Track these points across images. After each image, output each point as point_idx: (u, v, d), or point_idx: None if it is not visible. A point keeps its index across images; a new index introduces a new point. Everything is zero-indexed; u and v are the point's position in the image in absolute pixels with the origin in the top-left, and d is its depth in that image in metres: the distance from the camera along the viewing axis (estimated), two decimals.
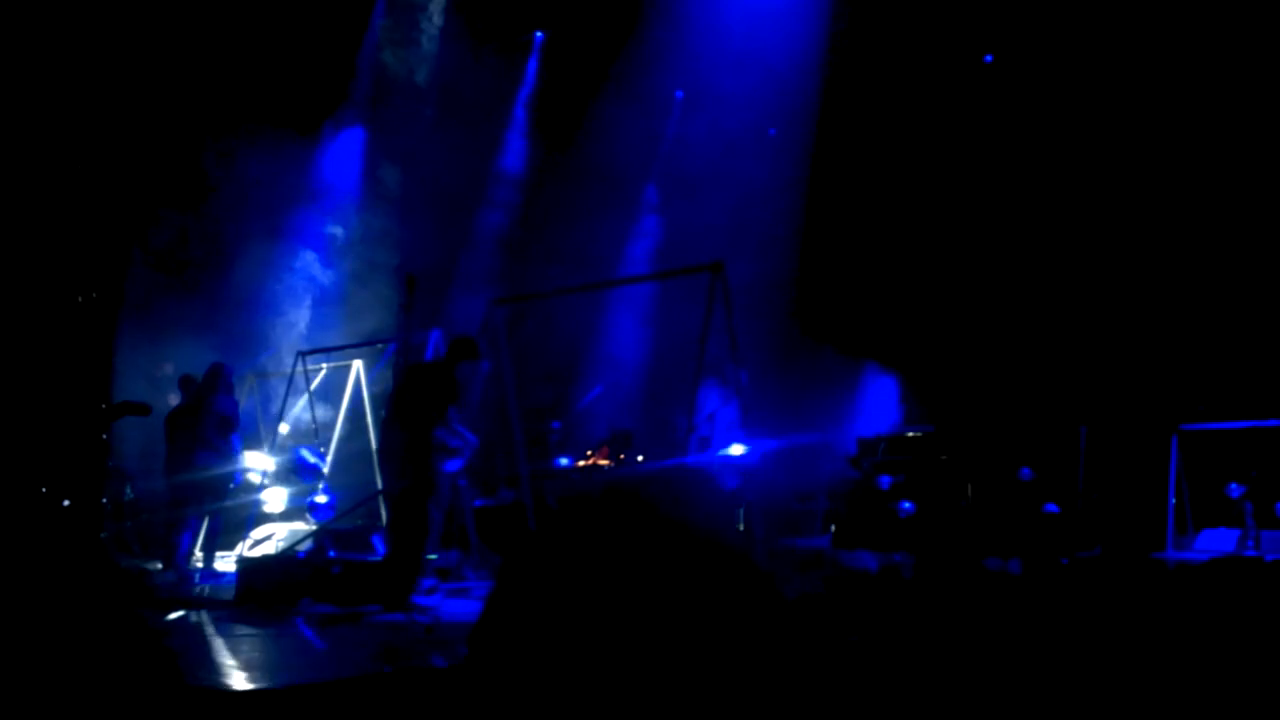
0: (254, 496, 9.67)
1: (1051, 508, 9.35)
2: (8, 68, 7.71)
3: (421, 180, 13.82)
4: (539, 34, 15.46)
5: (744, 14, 13.29)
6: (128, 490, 10.60)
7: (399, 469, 6.72)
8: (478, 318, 8.80)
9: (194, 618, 6.28)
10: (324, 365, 11.21)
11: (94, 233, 8.36)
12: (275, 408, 11.20)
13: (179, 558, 8.48)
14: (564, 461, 11.91)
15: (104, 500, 9.64)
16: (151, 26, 9.56)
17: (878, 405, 12.49)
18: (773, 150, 14.02)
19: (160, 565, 8.84)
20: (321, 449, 10.47)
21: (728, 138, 13.65)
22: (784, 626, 3.95)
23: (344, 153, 14.54)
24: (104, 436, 8.50)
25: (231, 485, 8.73)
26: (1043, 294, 11.71)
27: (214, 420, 8.42)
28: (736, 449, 10.14)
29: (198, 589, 7.90)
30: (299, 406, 10.99)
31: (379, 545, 7.79)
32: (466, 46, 14.02)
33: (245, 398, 11.92)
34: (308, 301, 13.66)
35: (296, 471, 9.93)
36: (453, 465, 7.02)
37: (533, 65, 15.63)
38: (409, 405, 6.76)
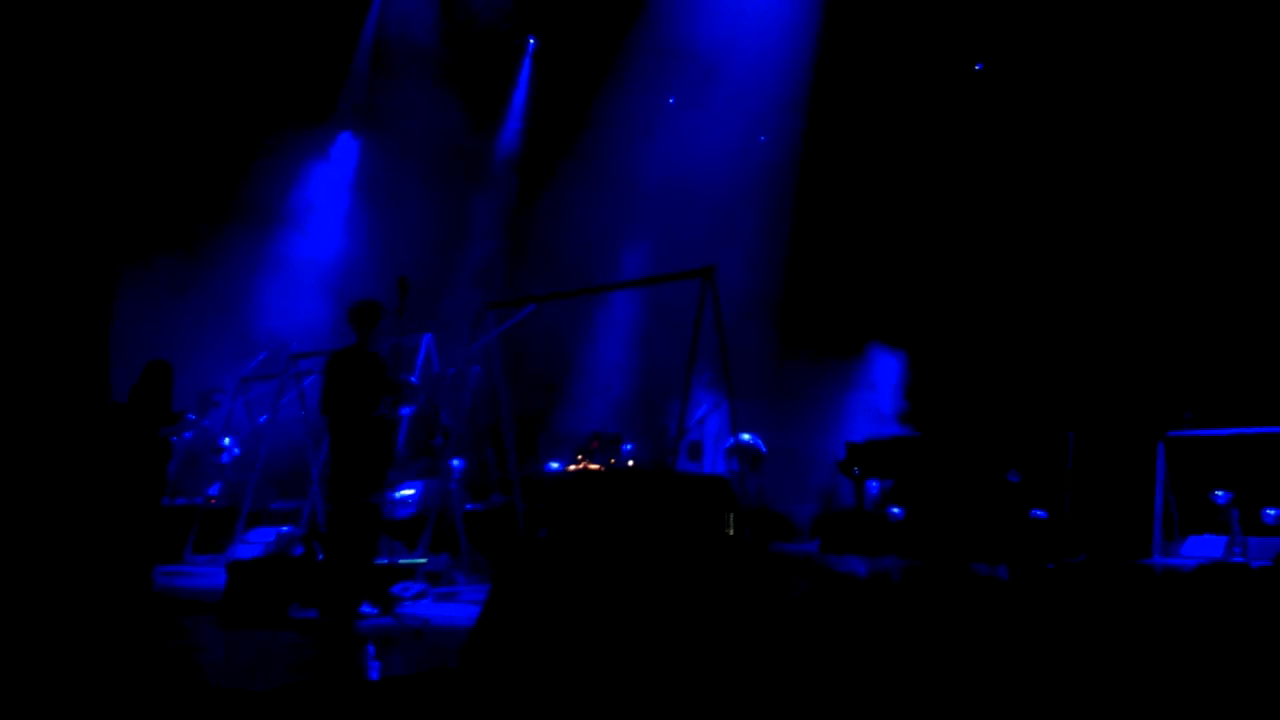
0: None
1: (1039, 513, 9.39)
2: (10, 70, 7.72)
3: (414, 184, 13.82)
4: (531, 40, 15.50)
5: (735, 21, 13.34)
6: None
7: (346, 467, 6.57)
8: (469, 321, 8.81)
9: (185, 620, 6.28)
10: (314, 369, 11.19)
11: (92, 233, 8.35)
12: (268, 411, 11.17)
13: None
14: (554, 466, 11.92)
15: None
16: (150, 30, 9.56)
17: (879, 391, 12.54)
18: (763, 156, 14.06)
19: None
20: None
21: (718, 144, 13.68)
22: (776, 630, 3.98)
23: (337, 157, 14.56)
24: (108, 438, 8.50)
25: None
26: (1031, 301, 11.77)
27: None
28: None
29: (183, 592, 7.89)
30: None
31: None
32: (459, 53, 14.03)
33: (233, 400, 11.92)
34: (301, 304, 13.64)
35: None
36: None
37: (525, 71, 15.66)
38: (342, 398, 6.60)
